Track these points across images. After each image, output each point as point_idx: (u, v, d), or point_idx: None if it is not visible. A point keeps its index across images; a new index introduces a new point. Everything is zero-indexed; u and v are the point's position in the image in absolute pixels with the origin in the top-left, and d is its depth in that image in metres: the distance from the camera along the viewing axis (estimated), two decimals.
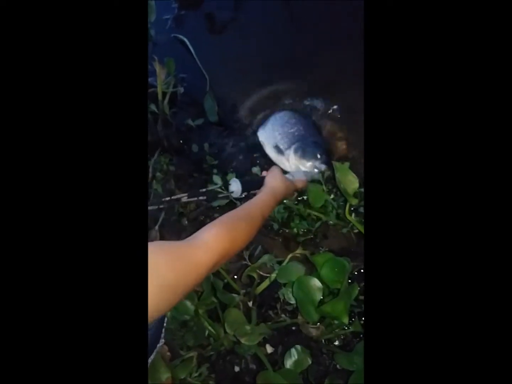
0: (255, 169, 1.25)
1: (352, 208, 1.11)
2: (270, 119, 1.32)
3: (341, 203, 1.14)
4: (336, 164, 1.05)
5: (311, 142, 1.23)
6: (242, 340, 0.81)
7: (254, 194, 0.97)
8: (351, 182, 1.02)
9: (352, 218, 1.07)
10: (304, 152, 1.19)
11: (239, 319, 0.86)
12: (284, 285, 0.96)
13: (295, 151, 1.21)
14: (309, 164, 1.18)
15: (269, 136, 1.29)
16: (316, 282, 0.87)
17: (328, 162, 1.17)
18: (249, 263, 1.05)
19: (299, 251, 1.08)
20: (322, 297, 0.89)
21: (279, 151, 1.24)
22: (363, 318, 0.99)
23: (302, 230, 1.14)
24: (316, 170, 1.17)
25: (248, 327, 0.84)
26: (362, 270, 1.07)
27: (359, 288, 0.92)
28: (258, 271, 1.00)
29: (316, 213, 1.14)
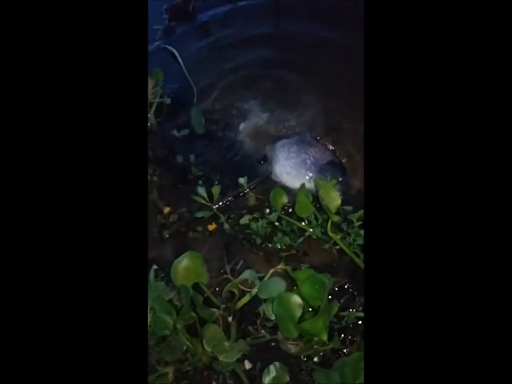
0: (242, 180, 1.26)
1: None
2: (274, 156, 1.31)
3: (327, 217, 1.14)
4: (319, 181, 1.06)
5: (327, 165, 1.23)
6: (220, 357, 0.80)
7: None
8: (333, 199, 1.03)
9: (334, 235, 1.07)
10: (324, 179, 1.16)
11: (217, 335, 0.85)
12: (265, 300, 0.96)
13: (316, 183, 1.17)
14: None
15: (282, 173, 1.27)
16: (296, 299, 0.87)
17: (348, 182, 1.20)
18: (231, 278, 1.04)
19: (280, 266, 1.08)
20: (302, 314, 0.88)
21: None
22: (342, 335, 0.99)
23: (284, 245, 1.14)
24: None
25: (227, 344, 0.83)
26: (346, 286, 1.07)
27: (339, 304, 0.92)
28: (239, 286, 0.99)
29: (300, 226, 1.14)
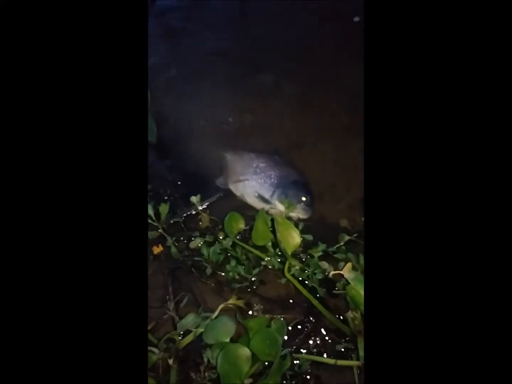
0: (194, 199, 1.13)
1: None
2: (236, 170, 1.23)
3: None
4: (277, 218, 0.96)
5: (291, 183, 1.17)
6: None
7: None
8: (292, 238, 0.93)
9: (290, 276, 0.98)
10: (287, 197, 1.13)
11: None
12: (211, 346, 0.85)
13: (279, 198, 1.14)
14: (296, 210, 1.12)
15: (245, 187, 1.19)
16: (245, 352, 0.77)
17: (313, 202, 1.14)
18: (174, 316, 0.93)
19: (232, 301, 0.97)
20: (250, 366, 0.78)
21: (264, 200, 1.16)
22: (293, 382, 0.90)
23: (237, 274, 1.04)
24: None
25: None
26: (300, 326, 0.99)
27: (291, 358, 0.83)
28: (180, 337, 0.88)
29: (257, 253, 1.04)
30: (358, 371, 0.87)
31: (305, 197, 1.14)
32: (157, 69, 1.41)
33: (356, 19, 1.60)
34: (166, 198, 1.17)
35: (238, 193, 1.20)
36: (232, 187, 1.21)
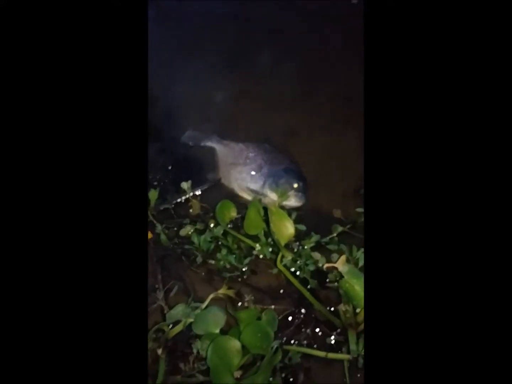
0: (185, 185, 1.10)
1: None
2: (226, 161, 1.20)
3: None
4: (272, 208, 0.94)
5: (282, 171, 1.14)
6: None
7: None
8: (286, 228, 0.91)
9: (282, 267, 0.96)
10: (278, 185, 1.10)
11: None
12: (200, 337, 0.83)
13: (270, 188, 1.11)
14: (289, 198, 1.09)
15: (237, 179, 1.16)
16: (235, 344, 0.76)
17: (305, 188, 1.11)
18: (163, 306, 0.90)
19: (222, 290, 0.96)
20: (240, 359, 0.77)
21: (255, 192, 1.13)
22: (283, 374, 0.89)
23: (228, 263, 1.02)
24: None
25: None
26: (291, 317, 0.98)
27: (282, 349, 0.82)
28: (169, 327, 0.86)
29: (248, 243, 1.02)
30: (349, 365, 0.86)
31: (297, 183, 1.11)
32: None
33: (354, 1, 1.55)
34: (155, 183, 1.13)
35: (229, 186, 1.18)
36: (222, 180, 1.19)
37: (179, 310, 0.83)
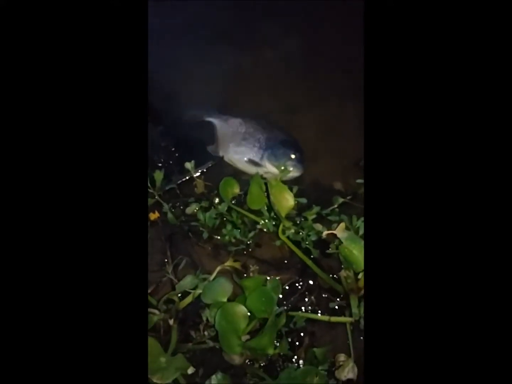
0: (189, 165, 1.13)
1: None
2: (226, 137, 1.23)
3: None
4: (271, 180, 0.97)
5: (279, 143, 1.19)
6: (154, 379, 0.72)
7: None
8: (286, 200, 0.94)
9: (285, 238, 1.00)
10: (276, 157, 1.15)
11: (153, 350, 0.76)
12: (209, 306, 0.88)
13: (269, 160, 1.17)
14: (287, 168, 1.12)
15: (236, 152, 1.21)
16: (241, 309, 0.80)
17: (303, 158, 1.16)
18: (173, 279, 0.95)
19: (229, 263, 1.00)
20: (247, 324, 0.82)
21: (255, 164, 1.18)
22: (289, 339, 0.94)
23: (233, 238, 1.06)
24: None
25: (163, 359, 0.75)
26: (296, 284, 1.02)
27: (286, 312, 0.86)
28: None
29: (252, 217, 1.06)
30: (351, 328, 0.90)
31: (294, 154, 1.16)
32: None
33: None
34: (160, 165, 1.17)
35: (229, 161, 1.21)
36: (223, 155, 1.22)
37: (188, 280, 0.88)
